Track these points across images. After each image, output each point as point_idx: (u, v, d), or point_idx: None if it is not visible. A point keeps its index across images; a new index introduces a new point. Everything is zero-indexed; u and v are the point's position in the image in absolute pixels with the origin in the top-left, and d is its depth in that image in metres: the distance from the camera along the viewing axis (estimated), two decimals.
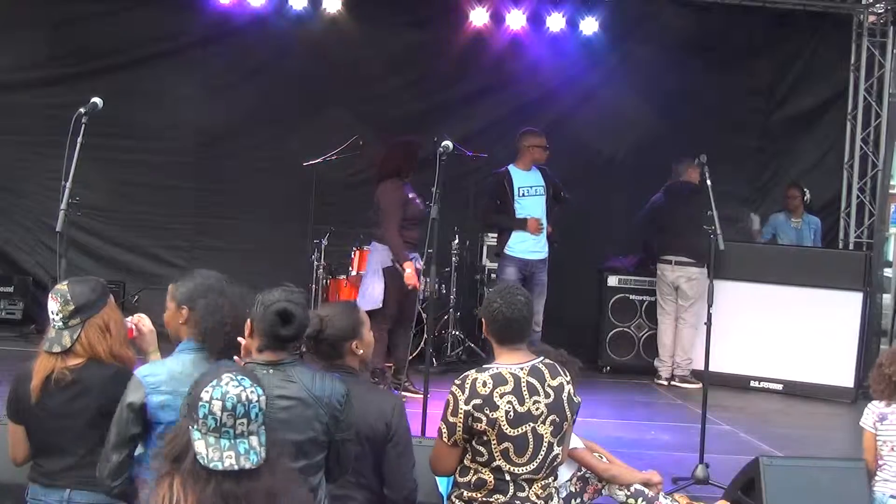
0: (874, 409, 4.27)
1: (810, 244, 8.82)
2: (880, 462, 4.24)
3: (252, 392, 2.30)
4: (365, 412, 3.16)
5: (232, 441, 2.26)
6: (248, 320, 2.95)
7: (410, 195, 6.78)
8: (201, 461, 2.21)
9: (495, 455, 3.19)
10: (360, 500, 3.22)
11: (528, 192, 7.34)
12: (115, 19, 8.80)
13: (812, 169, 9.52)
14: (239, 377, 2.31)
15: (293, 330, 2.92)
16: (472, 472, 3.25)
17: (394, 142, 7.10)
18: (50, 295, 3.26)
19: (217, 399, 2.25)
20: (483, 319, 3.42)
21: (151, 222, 9.01)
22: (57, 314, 3.19)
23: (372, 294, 6.69)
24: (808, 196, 8.94)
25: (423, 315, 7.20)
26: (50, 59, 8.85)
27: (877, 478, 4.23)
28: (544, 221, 7.38)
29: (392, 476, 3.25)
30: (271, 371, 2.87)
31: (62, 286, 3.26)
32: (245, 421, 2.27)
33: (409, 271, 6.50)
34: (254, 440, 2.29)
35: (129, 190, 8.94)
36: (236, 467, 2.23)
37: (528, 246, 7.32)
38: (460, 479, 3.28)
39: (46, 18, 8.79)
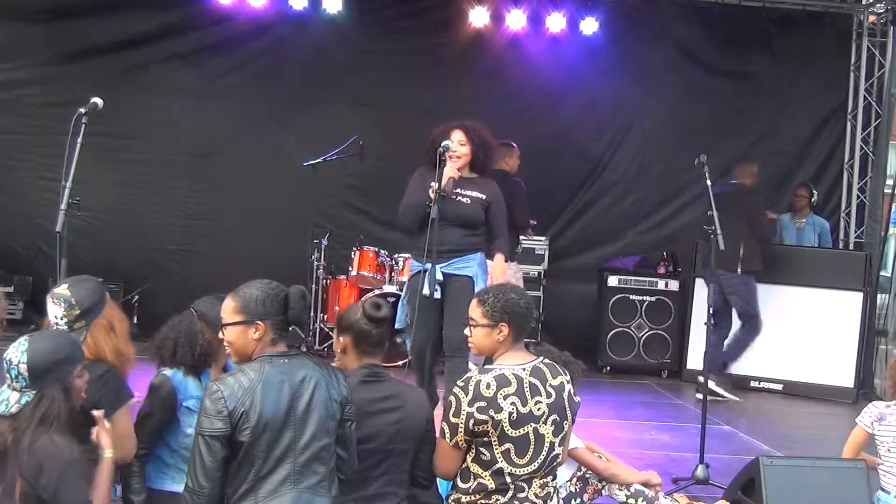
0: (874, 408, 4.27)
1: (811, 245, 8.82)
2: (878, 461, 4.24)
3: (15, 356, 2.82)
4: (413, 412, 3.28)
5: (6, 388, 2.84)
6: (262, 322, 2.99)
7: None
8: None
9: (497, 456, 3.19)
10: (401, 497, 3.26)
11: None
12: (115, 19, 8.80)
13: (812, 169, 9.53)
14: (23, 342, 2.85)
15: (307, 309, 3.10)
16: (472, 477, 3.24)
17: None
18: (49, 299, 3.25)
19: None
20: (506, 323, 3.29)
21: (150, 223, 9.01)
22: (61, 318, 3.20)
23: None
24: (815, 197, 8.93)
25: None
26: (48, 58, 8.85)
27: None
28: None
29: (426, 466, 3.35)
30: (286, 361, 2.96)
31: (63, 290, 3.25)
32: (8, 376, 2.83)
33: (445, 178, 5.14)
34: (13, 395, 2.81)
35: (127, 190, 8.94)
36: None
37: None
38: (461, 485, 3.27)
39: (44, 17, 8.79)
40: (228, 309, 3.02)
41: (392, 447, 3.22)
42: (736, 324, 7.79)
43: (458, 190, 5.16)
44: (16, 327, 8.31)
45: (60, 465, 2.72)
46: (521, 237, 7.92)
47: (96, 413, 3.04)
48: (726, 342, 7.77)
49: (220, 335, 3.08)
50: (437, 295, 4.88)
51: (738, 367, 7.99)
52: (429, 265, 4.86)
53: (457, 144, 5.18)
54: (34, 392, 2.80)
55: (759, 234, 7.78)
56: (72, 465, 2.74)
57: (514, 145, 7.47)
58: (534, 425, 3.20)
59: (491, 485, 3.20)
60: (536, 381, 3.24)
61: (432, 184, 4.93)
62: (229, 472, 2.84)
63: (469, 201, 5.18)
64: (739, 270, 7.60)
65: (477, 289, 5.00)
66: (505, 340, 3.32)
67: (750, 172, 7.93)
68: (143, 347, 3.63)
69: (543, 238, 8.87)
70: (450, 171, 5.06)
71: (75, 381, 2.91)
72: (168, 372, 3.47)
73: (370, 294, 7.89)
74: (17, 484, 2.70)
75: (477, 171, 5.35)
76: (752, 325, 7.71)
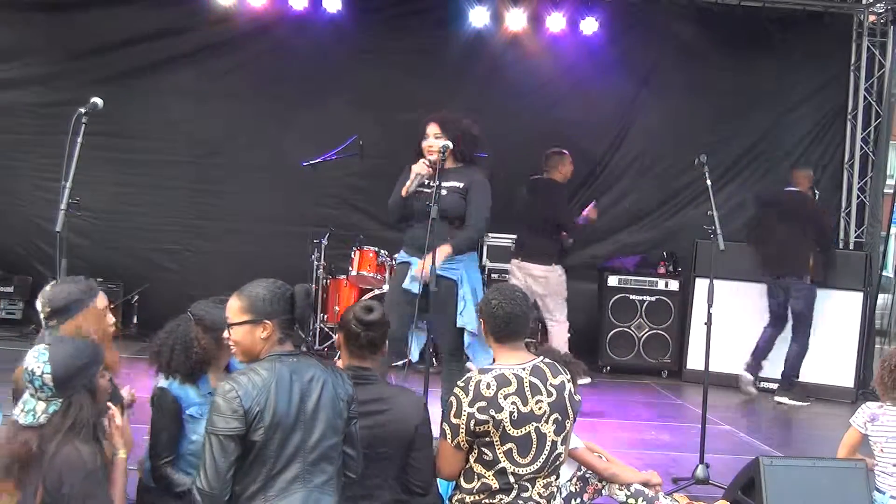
0: (867, 409, 4.30)
1: None
2: (873, 462, 4.25)
3: (38, 367, 2.75)
4: (400, 417, 3.24)
5: (30, 398, 2.78)
6: (269, 322, 2.97)
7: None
8: None
9: (499, 456, 3.19)
10: (384, 501, 3.24)
11: None
12: (115, 19, 8.78)
13: (812, 169, 9.50)
14: (42, 351, 2.74)
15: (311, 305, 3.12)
16: (476, 477, 3.25)
17: None
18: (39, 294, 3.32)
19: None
20: (482, 320, 3.40)
21: (150, 223, 8.99)
22: (40, 314, 3.28)
23: None
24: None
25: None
26: (48, 58, 8.84)
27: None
28: None
29: (420, 473, 3.31)
30: (295, 360, 2.96)
31: (48, 287, 3.31)
32: (31, 387, 2.77)
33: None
34: (40, 405, 2.75)
35: (127, 190, 8.93)
36: (13, 417, 2.78)
37: None
38: (465, 485, 3.28)
39: (44, 17, 8.77)
40: (235, 308, 3.00)
41: (372, 451, 3.18)
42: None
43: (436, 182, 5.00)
44: (16, 327, 8.33)
45: (82, 476, 2.70)
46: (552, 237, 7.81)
47: (111, 411, 3.04)
48: (787, 361, 7.83)
49: (227, 335, 3.05)
50: (416, 290, 4.74)
51: (739, 367, 7.99)
52: (412, 258, 4.98)
53: (432, 138, 5.18)
54: (61, 400, 2.77)
55: (827, 241, 7.91)
56: (93, 474, 2.73)
57: (566, 153, 7.53)
58: (535, 424, 3.20)
59: (495, 484, 3.21)
60: (537, 381, 3.25)
61: (422, 166, 5.04)
62: (240, 471, 2.82)
63: (446, 192, 5.02)
64: (809, 280, 7.69)
65: (462, 291, 4.98)
66: (487, 338, 3.40)
67: (808, 177, 8.06)
68: (142, 347, 3.64)
69: None
70: (417, 167, 5.05)
71: (98, 382, 2.91)
72: (164, 383, 3.46)
73: (369, 294, 7.89)
74: (39, 493, 2.68)
75: (461, 161, 5.24)
76: (804, 332, 7.76)
